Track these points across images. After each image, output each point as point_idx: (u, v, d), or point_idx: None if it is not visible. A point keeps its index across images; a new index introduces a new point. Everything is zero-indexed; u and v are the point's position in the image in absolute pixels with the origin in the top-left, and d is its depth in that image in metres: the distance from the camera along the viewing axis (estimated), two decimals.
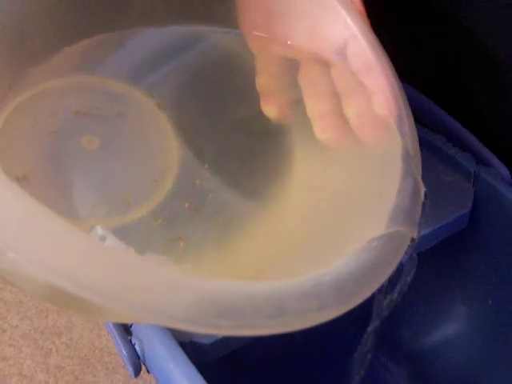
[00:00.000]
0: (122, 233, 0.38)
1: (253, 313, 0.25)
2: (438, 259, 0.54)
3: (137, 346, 0.38)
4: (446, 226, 0.49)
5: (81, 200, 0.39)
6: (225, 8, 0.43)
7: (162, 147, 0.42)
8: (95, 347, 0.82)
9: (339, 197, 0.37)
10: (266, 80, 0.42)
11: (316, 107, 0.41)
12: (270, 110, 0.42)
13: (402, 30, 0.55)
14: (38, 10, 0.41)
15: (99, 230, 0.33)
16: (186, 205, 0.40)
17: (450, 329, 0.57)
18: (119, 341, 0.38)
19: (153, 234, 0.39)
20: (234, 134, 0.42)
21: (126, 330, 0.38)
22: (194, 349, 0.37)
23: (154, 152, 0.42)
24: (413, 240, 0.33)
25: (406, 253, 0.32)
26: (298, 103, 0.41)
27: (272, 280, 0.27)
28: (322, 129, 0.40)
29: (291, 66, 0.42)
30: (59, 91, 0.44)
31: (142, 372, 0.39)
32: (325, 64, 0.41)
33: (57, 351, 0.83)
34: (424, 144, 0.40)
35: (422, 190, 0.34)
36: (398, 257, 0.32)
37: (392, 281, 0.38)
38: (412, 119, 0.39)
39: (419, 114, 0.49)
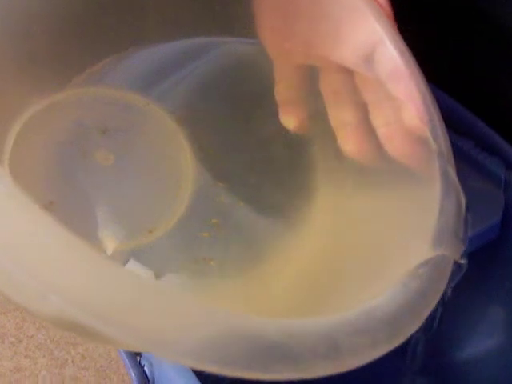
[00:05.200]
0: (141, 254, 0.36)
1: (309, 354, 0.23)
2: (467, 270, 0.51)
3: (146, 368, 0.36)
4: (476, 237, 0.46)
5: (100, 222, 0.37)
6: (240, 14, 0.40)
7: (178, 163, 0.40)
8: (111, 358, 0.81)
9: (373, 218, 0.34)
10: (285, 89, 0.40)
11: (340, 117, 0.38)
12: (290, 120, 0.40)
13: (424, 26, 0.52)
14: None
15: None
16: (206, 223, 0.37)
17: (481, 343, 0.55)
18: (128, 362, 0.36)
19: (172, 254, 0.37)
20: (253, 147, 0.40)
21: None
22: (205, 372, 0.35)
23: (170, 168, 0.40)
24: (459, 266, 0.31)
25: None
26: (320, 113, 0.39)
27: (315, 315, 0.25)
28: (347, 139, 0.38)
29: (312, 74, 0.39)
30: (71, 103, 0.42)
31: None
32: (348, 72, 0.38)
33: (72, 362, 0.82)
34: None
35: (464, 205, 0.32)
36: (445, 282, 0.30)
37: None
38: (444, 128, 0.36)
39: (444, 117, 0.46)
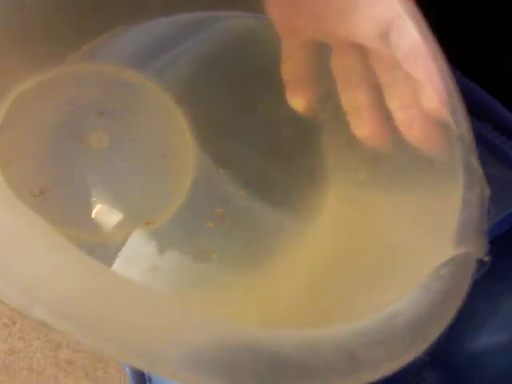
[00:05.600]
0: (137, 245, 0.33)
1: (326, 369, 0.21)
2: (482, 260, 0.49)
3: None
4: (493, 227, 0.44)
5: (97, 210, 0.34)
6: None
7: (178, 146, 0.37)
8: None
9: (389, 212, 0.32)
10: (292, 67, 0.37)
11: (352, 99, 0.36)
12: (298, 101, 0.37)
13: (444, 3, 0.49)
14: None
15: None
16: (208, 212, 0.35)
17: (493, 336, 0.52)
18: None
19: (170, 245, 0.34)
20: (258, 130, 0.37)
21: None
22: None
23: (169, 152, 0.37)
24: (482, 262, 0.28)
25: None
26: (330, 95, 0.36)
27: (328, 321, 0.22)
28: (360, 123, 0.35)
29: (323, 52, 0.36)
30: (65, 81, 0.39)
31: None
32: (362, 50, 0.35)
33: (67, 345, 0.80)
34: None
35: (488, 197, 0.29)
36: (468, 282, 0.28)
37: None
38: (465, 112, 0.33)
39: None
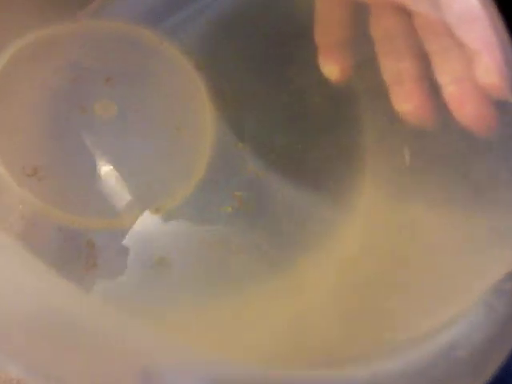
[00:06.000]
0: (147, 233, 0.30)
1: None
2: None
3: None
4: None
5: (101, 192, 0.31)
6: None
7: (196, 117, 0.33)
8: None
9: (439, 205, 0.27)
10: (326, 30, 0.33)
11: (394, 68, 0.32)
12: (331, 68, 0.33)
13: None
14: None
15: None
16: (227, 196, 0.31)
17: None
18: None
19: (185, 235, 0.30)
20: (285, 100, 0.33)
21: None
22: None
23: (186, 124, 0.33)
24: None
25: None
26: (369, 63, 0.32)
27: (370, 343, 0.19)
28: (403, 97, 0.31)
29: (361, 14, 0.32)
30: (65, 39, 0.35)
31: None
32: (406, 12, 0.31)
33: None
34: None
35: None
36: None
37: None
38: None
39: None
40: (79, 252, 0.30)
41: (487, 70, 0.29)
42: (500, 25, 0.30)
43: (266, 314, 0.26)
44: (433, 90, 0.30)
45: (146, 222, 0.30)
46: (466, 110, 0.29)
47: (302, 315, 0.27)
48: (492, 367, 0.21)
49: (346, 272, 0.29)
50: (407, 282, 0.26)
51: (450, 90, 0.30)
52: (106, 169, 0.32)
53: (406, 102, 0.31)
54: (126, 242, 0.30)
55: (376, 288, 0.27)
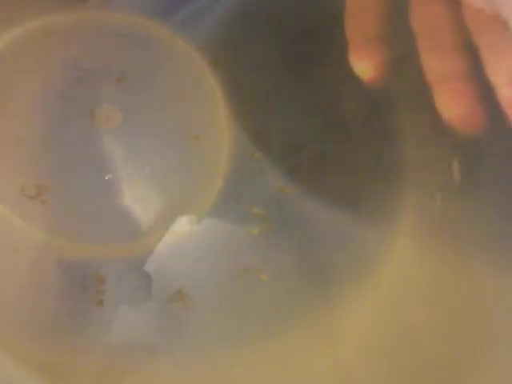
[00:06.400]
0: (159, 257, 0.26)
1: None
2: None
3: None
4: None
5: (114, 214, 0.27)
6: None
7: (211, 122, 0.30)
8: None
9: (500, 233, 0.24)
10: (359, 23, 0.30)
11: (438, 65, 0.28)
12: (363, 66, 0.30)
13: None
14: None
15: None
16: (249, 215, 0.27)
17: None
18: None
19: (205, 262, 0.27)
20: (311, 103, 0.30)
21: None
22: None
23: (200, 129, 0.29)
24: None
25: None
26: (409, 60, 0.29)
27: None
28: (449, 100, 0.28)
29: (400, 4, 0.29)
30: (67, 31, 0.32)
31: None
32: (453, 2, 0.28)
33: None
34: None
35: None
36: None
37: None
38: None
39: None
40: (84, 288, 0.27)
41: None
42: None
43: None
44: (483, 91, 0.27)
45: (162, 247, 0.27)
46: None
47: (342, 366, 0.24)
48: None
49: (396, 307, 0.25)
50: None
51: (505, 91, 0.26)
52: (117, 186, 0.28)
53: (453, 105, 0.28)
54: (138, 273, 0.27)
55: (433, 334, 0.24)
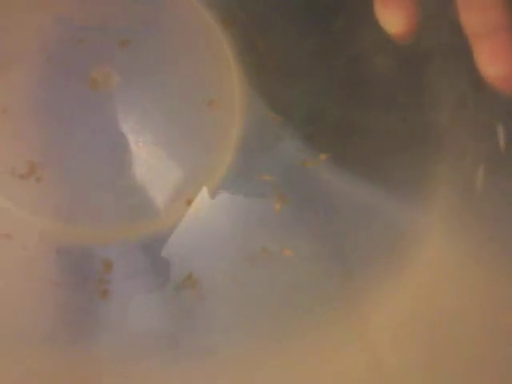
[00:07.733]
0: (169, 238, 0.23)
1: None
2: None
3: None
4: None
5: (109, 192, 0.25)
6: None
7: (223, 87, 0.26)
8: None
9: None
10: None
11: (480, 18, 0.25)
12: (391, 18, 0.26)
13: None
14: None
15: None
16: (263, 186, 0.25)
17: None
18: None
19: (219, 241, 0.24)
20: (333, 64, 0.26)
21: None
22: None
23: (211, 94, 0.26)
24: None
25: None
26: (443, 12, 0.25)
27: None
28: (491, 55, 0.25)
29: None
30: None
31: None
32: None
33: None
34: None
35: None
36: None
37: None
38: None
39: None
40: (87, 277, 0.24)
41: None
42: None
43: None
44: None
45: (172, 226, 0.24)
46: None
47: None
48: None
49: (426, 309, 0.22)
50: None
51: None
52: (121, 160, 0.26)
53: (495, 62, 0.24)
54: (145, 257, 0.25)
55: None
